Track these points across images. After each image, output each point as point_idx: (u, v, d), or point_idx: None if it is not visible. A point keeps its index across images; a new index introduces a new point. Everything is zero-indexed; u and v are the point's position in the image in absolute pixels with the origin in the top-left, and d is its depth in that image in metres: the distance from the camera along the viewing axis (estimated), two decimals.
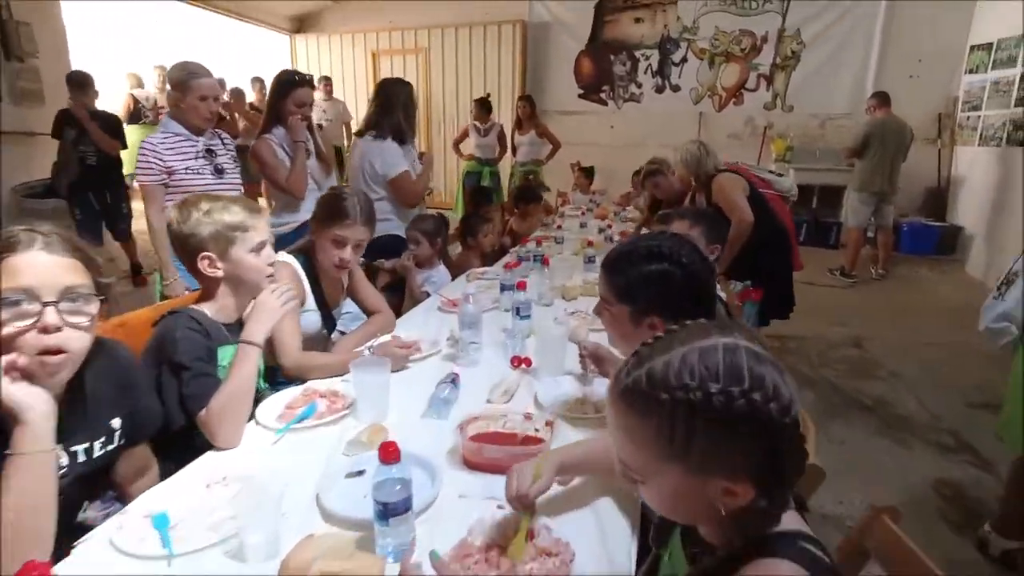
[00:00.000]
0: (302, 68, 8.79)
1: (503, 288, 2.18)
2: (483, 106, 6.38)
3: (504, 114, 7.30)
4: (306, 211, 2.82)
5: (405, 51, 8.36)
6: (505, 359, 1.71)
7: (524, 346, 1.74)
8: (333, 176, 3.00)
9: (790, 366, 3.92)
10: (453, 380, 1.51)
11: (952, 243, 6.10)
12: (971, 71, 6.17)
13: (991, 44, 5.77)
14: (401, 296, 2.79)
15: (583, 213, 4.50)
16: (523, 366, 1.65)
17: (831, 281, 5.71)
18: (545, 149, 6.54)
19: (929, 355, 4.02)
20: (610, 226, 3.81)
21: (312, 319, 1.84)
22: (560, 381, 1.56)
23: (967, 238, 5.97)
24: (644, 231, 3.97)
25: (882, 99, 5.53)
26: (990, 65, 5.78)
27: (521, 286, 1.88)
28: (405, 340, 1.78)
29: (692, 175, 3.02)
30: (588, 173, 6.00)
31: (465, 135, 6.53)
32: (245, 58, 9.01)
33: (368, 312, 1.99)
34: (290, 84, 2.67)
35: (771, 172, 3.57)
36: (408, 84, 3.06)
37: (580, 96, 7.73)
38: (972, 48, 6.16)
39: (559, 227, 3.76)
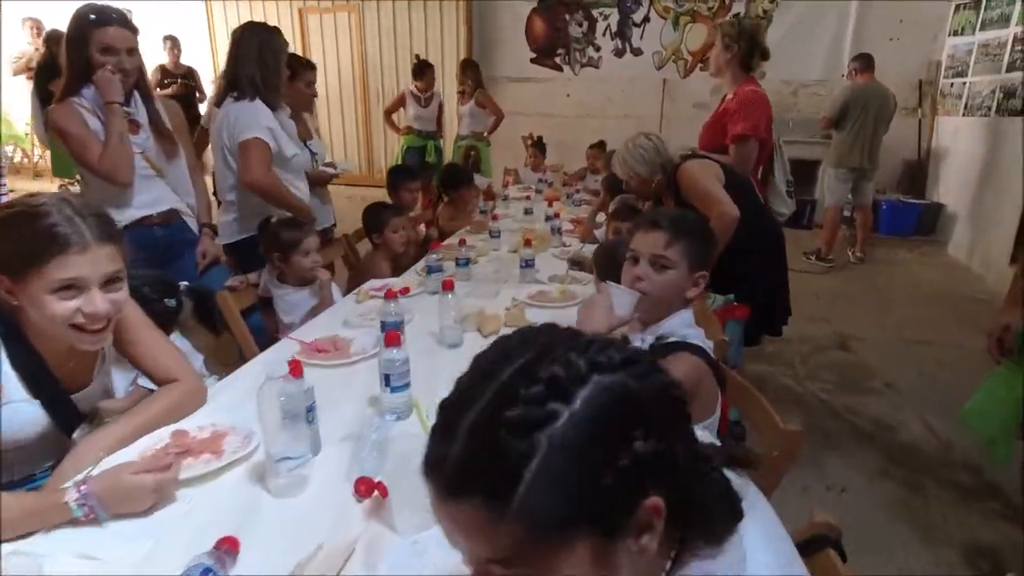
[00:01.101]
0: (219, 28, 7.78)
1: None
2: (422, 70, 5.57)
3: (450, 83, 6.50)
4: (139, 206, 2.07)
5: (336, 8, 7.41)
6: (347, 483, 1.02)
7: (381, 461, 1.04)
8: (182, 160, 2.21)
9: (772, 377, 3.40)
10: None
11: (932, 222, 5.64)
12: (955, 33, 5.64)
13: (979, 2, 5.23)
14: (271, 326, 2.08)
15: (529, 197, 3.81)
16: (374, 494, 0.96)
17: (806, 266, 5.19)
18: (488, 122, 5.79)
19: (923, 357, 3.52)
20: (557, 215, 3.11)
21: (24, 415, 1.11)
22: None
23: (949, 217, 5.51)
24: (600, 219, 3.32)
25: (865, 62, 4.95)
26: (978, 26, 5.25)
27: (392, 339, 1.18)
28: (191, 439, 1.08)
29: (654, 173, 2.30)
30: (540, 147, 5.25)
31: (400, 103, 5.72)
32: (155, 18, 7.89)
33: (158, 381, 1.25)
34: (90, 23, 1.87)
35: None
36: (270, 28, 2.29)
37: (533, 61, 6.97)
38: (957, 7, 5.62)
39: (495, 217, 3.05)
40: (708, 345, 1.29)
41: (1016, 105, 4.62)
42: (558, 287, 2.04)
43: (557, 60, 6.90)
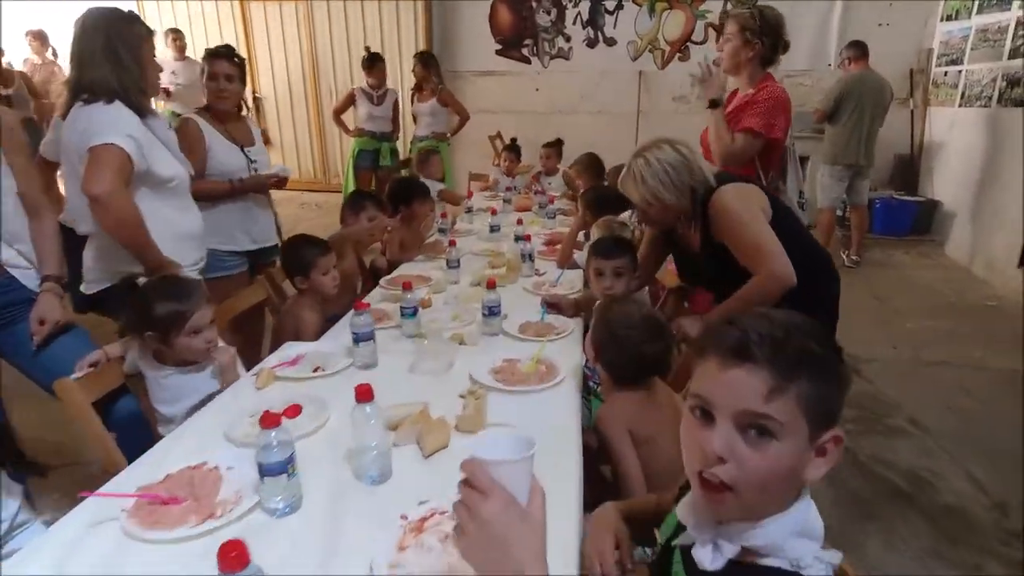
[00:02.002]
0: (151, 20, 7.05)
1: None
2: (372, 63, 4.99)
3: (409, 79, 5.91)
4: None
5: None
6: None
7: None
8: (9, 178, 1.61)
9: None
10: None
11: (928, 221, 5.29)
12: (948, 17, 5.27)
13: None
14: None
15: (494, 212, 3.26)
16: None
17: None
18: (451, 121, 5.24)
19: (944, 382, 3.12)
20: (528, 238, 2.60)
21: None
22: None
23: (946, 215, 5.16)
24: (581, 238, 2.82)
25: (859, 50, 4.55)
26: (974, 9, 4.88)
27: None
28: None
29: (683, 199, 1.69)
30: (514, 149, 4.71)
31: (350, 102, 5.13)
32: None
33: None
34: None
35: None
36: (120, 16, 1.72)
37: (498, 53, 6.43)
38: None
39: (452, 243, 2.52)
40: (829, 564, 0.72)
41: (1021, 95, 4.26)
42: (530, 362, 1.53)
43: (524, 52, 6.38)
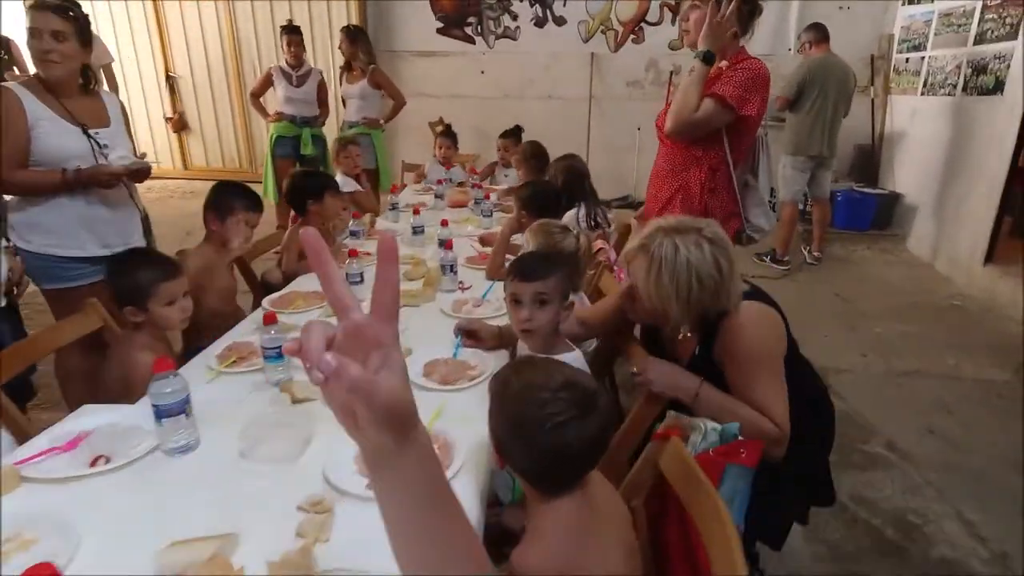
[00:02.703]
0: None
1: None
2: (293, 37, 4.42)
3: (338, 59, 5.32)
4: None
5: None
6: None
7: None
8: None
9: None
10: None
11: (889, 214, 5.06)
12: (910, 1, 5.03)
13: None
14: None
15: (418, 211, 2.74)
16: None
17: (761, 270, 4.49)
18: (384, 106, 4.72)
19: (920, 396, 2.84)
20: (450, 246, 2.13)
21: None
22: None
23: (907, 208, 4.95)
24: (526, 243, 2.38)
25: (820, 33, 4.23)
26: None
27: None
28: None
29: (688, 318, 1.31)
30: (450, 136, 4.22)
31: (268, 83, 4.55)
32: None
33: None
34: None
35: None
36: None
37: (440, 31, 5.90)
38: None
39: (352, 254, 2.05)
40: None
41: (988, 82, 4.02)
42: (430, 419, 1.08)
43: (468, 31, 5.87)
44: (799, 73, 4.19)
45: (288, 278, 2.27)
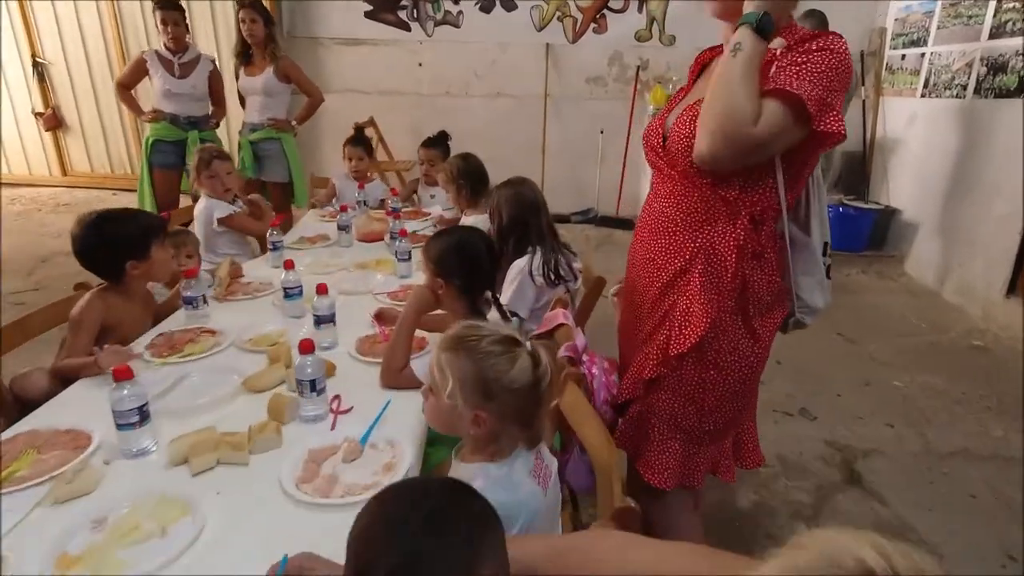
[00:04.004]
0: None
1: None
2: (169, 13, 3.46)
3: (226, 45, 4.34)
4: None
5: None
6: None
7: None
8: None
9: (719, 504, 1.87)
10: None
11: (883, 232, 4.47)
12: None
13: None
14: None
15: (290, 267, 1.86)
16: None
17: None
18: (295, 103, 3.81)
19: (982, 494, 2.15)
20: (305, 349, 1.30)
21: None
22: None
23: (905, 226, 4.35)
24: (440, 366, 1.57)
25: (817, 21, 3.56)
26: None
27: None
28: None
29: None
30: (360, 141, 3.27)
31: (140, 72, 3.58)
32: None
33: None
34: None
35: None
36: None
37: (368, 16, 5.00)
38: None
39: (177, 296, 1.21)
40: None
41: (1009, 83, 3.43)
42: None
43: (402, 15, 4.99)
44: None
45: (66, 380, 1.39)
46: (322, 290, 1.54)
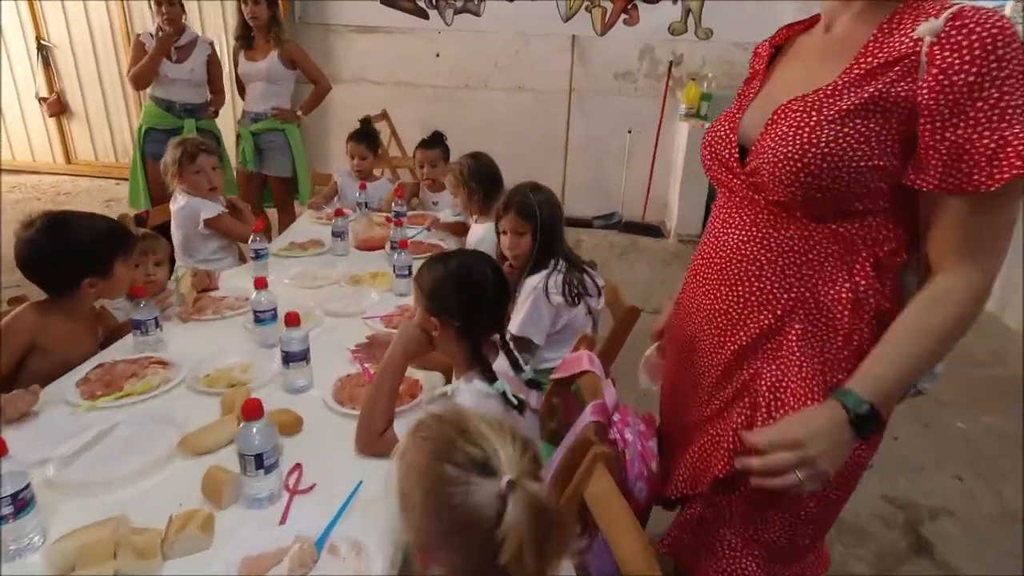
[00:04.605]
0: None
1: None
2: None
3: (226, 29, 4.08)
4: None
5: None
6: None
7: None
8: None
9: None
10: None
11: None
12: None
13: None
14: None
15: (261, 287, 1.53)
16: None
17: None
18: (301, 92, 3.54)
19: None
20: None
21: None
22: None
23: None
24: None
25: None
26: None
27: None
28: None
29: None
30: (365, 136, 2.89)
31: (142, 53, 3.32)
32: None
33: None
34: None
35: None
36: None
37: (384, 2, 4.72)
38: None
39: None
40: None
41: None
42: None
43: (420, 3, 4.70)
44: None
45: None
46: (292, 320, 1.25)
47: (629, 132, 4.67)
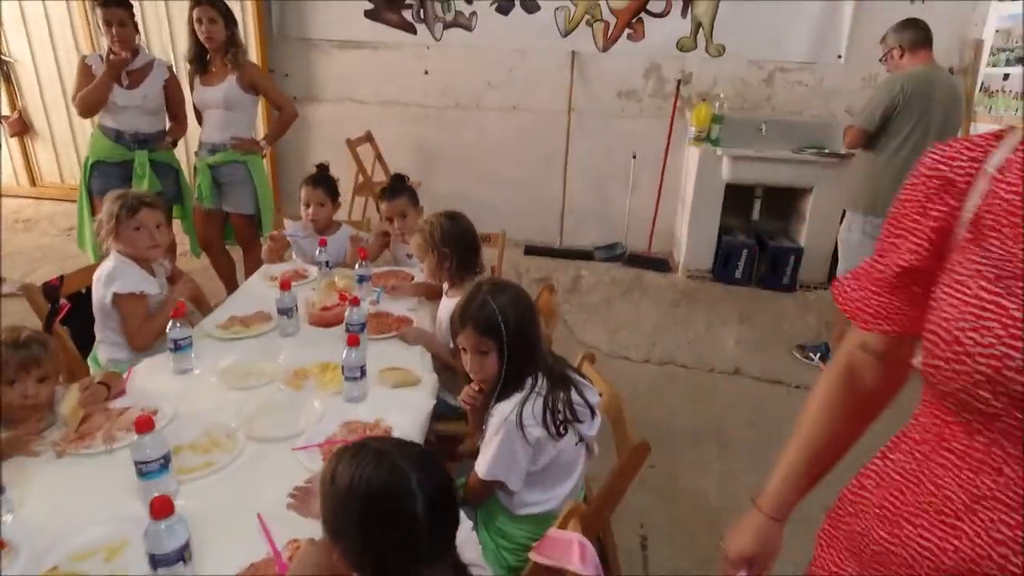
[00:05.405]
0: None
1: None
2: (114, 11, 2.84)
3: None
4: None
5: None
6: None
7: None
8: None
9: None
10: None
11: None
12: None
13: None
14: None
15: (143, 429, 1.08)
16: None
17: (806, 374, 3.08)
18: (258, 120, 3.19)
19: None
20: None
21: None
22: None
23: None
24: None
25: (918, 35, 2.82)
26: None
27: None
28: None
29: None
30: (321, 182, 2.44)
31: (89, 79, 2.96)
32: None
33: None
34: None
35: None
36: None
37: (369, 15, 4.36)
38: None
39: None
40: None
41: None
42: None
43: (407, 15, 4.34)
44: (886, 94, 2.76)
45: None
46: (160, 510, 0.87)
47: (634, 156, 4.30)
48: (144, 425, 1.08)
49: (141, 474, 1.08)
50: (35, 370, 1.31)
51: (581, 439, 1.29)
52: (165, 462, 1.10)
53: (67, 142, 4.92)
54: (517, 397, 1.23)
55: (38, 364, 1.32)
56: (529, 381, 1.24)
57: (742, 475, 2.38)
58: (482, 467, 1.24)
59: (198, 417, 1.38)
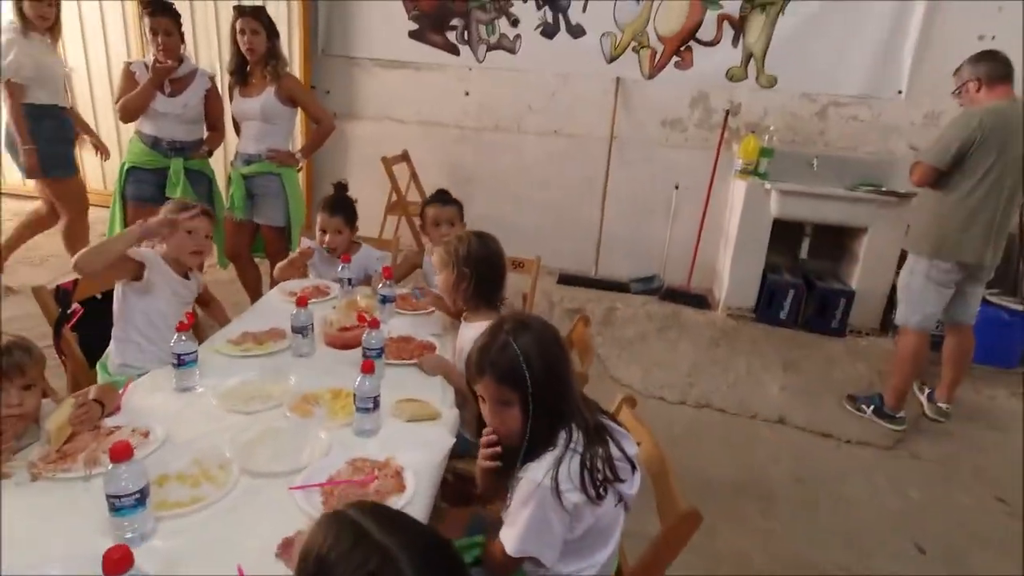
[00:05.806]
0: None
1: None
2: (161, 20, 2.86)
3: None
4: None
5: None
6: None
7: None
8: None
9: None
10: None
11: None
12: None
13: None
14: None
15: (121, 458, 0.99)
16: None
17: (859, 429, 2.83)
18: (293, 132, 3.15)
19: None
20: None
21: None
22: None
23: None
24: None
25: (996, 68, 2.62)
26: None
27: None
28: None
29: None
30: (341, 208, 2.33)
31: (133, 85, 2.96)
32: None
33: None
34: None
35: None
36: None
37: (413, 36, 4.35)
38: None
39: None
40: None
41: None
42: None
43: (451, 37, 4.31)
44: (963, 129, 2.55)
45: None
46: (113, 568, 0.73)
47: (676, 187, 4.14)
48: (121, 453, 0.95)
49: (114, 509, 0.95)
50: (18, 378, 1.21)
51: (621, 499, 1.11)
52: (142, 497, 0.96)
53: (113, 150, 5.00)
54: (549, 457, 1.05)
55: (22, 372, 1.22)
56: (563, 436, 1.06)
57: (787, 537, 2.15)
58: (511, 542, 1.05)
59: (191, 443, 1.25)
